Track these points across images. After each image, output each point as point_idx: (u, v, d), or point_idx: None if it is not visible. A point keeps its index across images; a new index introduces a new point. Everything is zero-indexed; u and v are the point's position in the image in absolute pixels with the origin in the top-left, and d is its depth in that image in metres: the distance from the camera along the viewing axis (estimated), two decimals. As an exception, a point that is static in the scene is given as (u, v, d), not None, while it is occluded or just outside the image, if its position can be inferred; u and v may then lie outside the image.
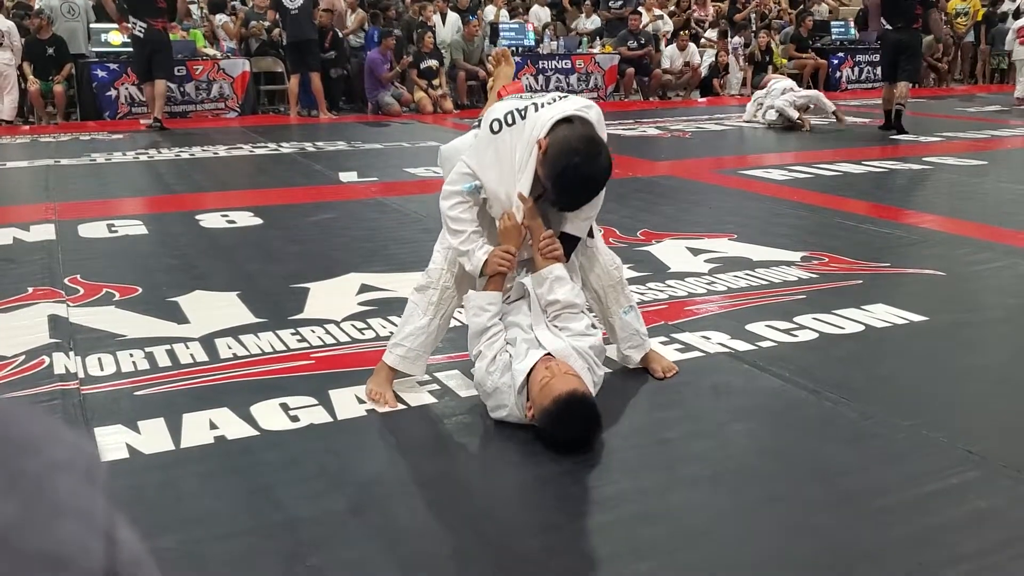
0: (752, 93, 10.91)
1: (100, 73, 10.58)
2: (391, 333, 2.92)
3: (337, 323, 3.37)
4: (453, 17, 12.52)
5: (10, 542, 0.37)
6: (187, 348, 3.12)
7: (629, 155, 7.50)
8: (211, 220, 5.25)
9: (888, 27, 8.93)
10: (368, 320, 3.41)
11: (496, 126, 2.51)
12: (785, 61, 13.88)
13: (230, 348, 3.12)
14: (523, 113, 2.50)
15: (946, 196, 6.32)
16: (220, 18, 11.88)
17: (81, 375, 2.88)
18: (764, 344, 3.13)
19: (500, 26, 12.85)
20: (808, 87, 12.40)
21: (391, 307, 3.47)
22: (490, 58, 3.46)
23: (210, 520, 2.06)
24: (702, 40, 14.37)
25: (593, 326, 2.65)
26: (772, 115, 9.54)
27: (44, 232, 4.91)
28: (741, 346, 3.11)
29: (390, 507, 2.12)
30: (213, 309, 3.54)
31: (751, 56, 13.66)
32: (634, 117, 10.84)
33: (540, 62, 12.72)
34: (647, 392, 2.77)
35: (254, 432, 2.48)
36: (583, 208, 2.58)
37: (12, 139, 9.13)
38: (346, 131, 9.64)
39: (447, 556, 1.95)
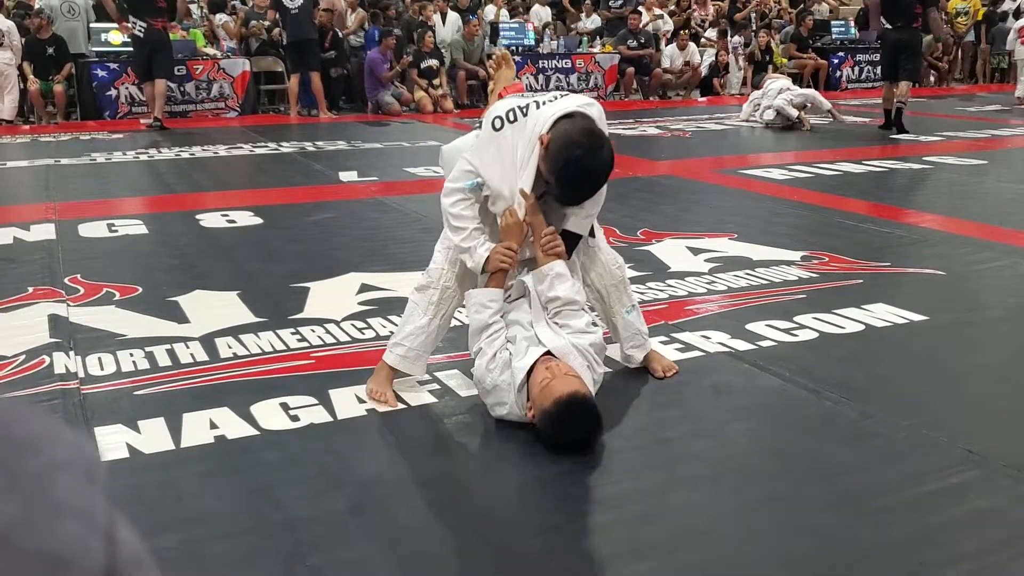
0: (752, 93, 10.91)
1: (100, 73, 10.58)
2: (391, 333, 2.92)
3: (337, 323, 3.37)
4: (453, 16, 12.52)
5: (10, 542, 0.37)
6: (187, 348, 3.12)
7: (629, 154, 7.50)
8: (211, 220, 5.25)
9: (888, 26, 8.93)
10: (368, 320, 3.41)
11: (498, 123, 2.51)
12: (785, 61, 13.88)
13: (230, 348, 3.12)
14: (525, 110, 2.50)
15: (946, 195, 6.32)
16: (220, 18, 11.88)
17: (81, 375, 2.88)
18: (764, 344, 3.13)
19: (500, 25, 12.85)
20: (809, 87, 12.40)
21: (391, 307, 3.47)
22: (490, 61, 3.46)
23: (210, 520, 2.06)
24: (702, 39, 14.36)
25: (594, 324, 2.65)
26: (770, 115, 9.54)
27: (44, 232, 4.91)
28: (741, 345, 3.11)
29: (390, 507, 2.12)
30: (213, 309, 3.54)
31: (751, 55, 13.66)
32: (634, 116, 10.83)
33: (540, 61, 12.72)
34: (647, 392, 2.77)
35: (254, 432, 2.48)
36: (585, 205, 2.58)
37: (12, 139, 9.13)
38: (346, 131, 9.64)
39: (447, 556, 1.95)
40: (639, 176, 6.68)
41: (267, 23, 11.42)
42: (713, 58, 13.64)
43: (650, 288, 3.78)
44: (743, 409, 2.66)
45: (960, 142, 8.59)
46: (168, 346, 3.13)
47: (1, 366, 2.96)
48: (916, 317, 3.41)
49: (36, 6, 11.01)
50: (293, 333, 3.25)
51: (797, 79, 12.60)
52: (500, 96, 2.91)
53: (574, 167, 2.40)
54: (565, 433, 2.33)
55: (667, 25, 14.34)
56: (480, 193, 2.58)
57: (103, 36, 10.62)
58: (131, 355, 3.04)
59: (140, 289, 3.81)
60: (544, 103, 2.52)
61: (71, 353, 3.05)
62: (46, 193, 6.22)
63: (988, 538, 1.95)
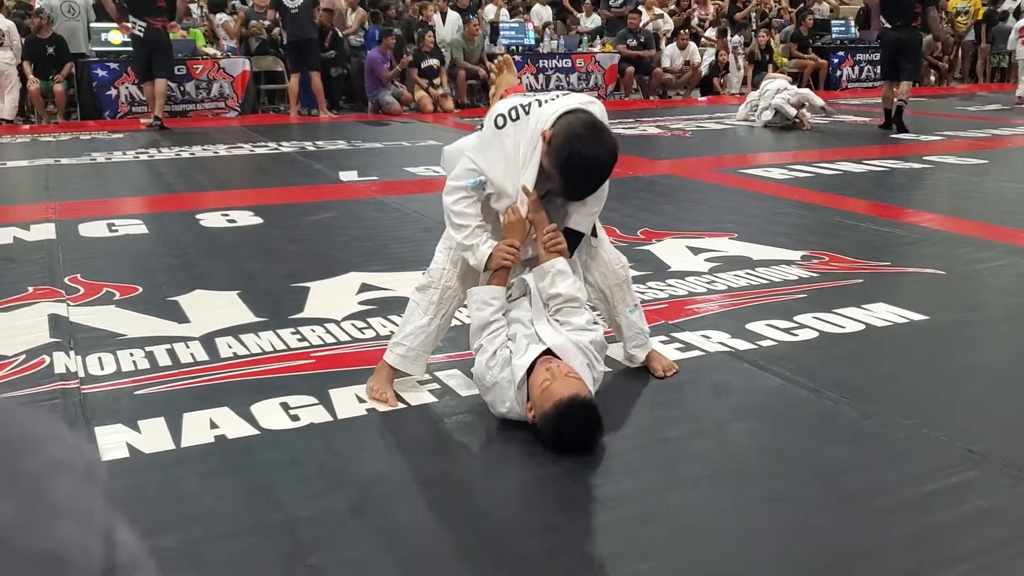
0: (749, 94, 10.91)
1: (100, 72, 10.57)
2: (391, 332, 2.92)
3: (337, 322, 3.37)
4: (453, 16, 12.51)
5: (9, 542, 0.37)
6: (187, 347, 3.12)
7: (629, 154, 7.49)
8: (211, 219, 5.25)
9: (887, 26, 8.93)
10: (368, 319, 3.41)
11: (500, 121, 2.51)
12: (785, 60, 13.88)
13: (230, 347, 3.12)
14: (527, 109, 2.51)
15: (947, 195, 6.31)
16: (220, 17, 11.88)
17: (81, 374, 2.88)
18: (764, 343, 3.13)
19: (500, 25, 12.85)
20: (809, 86, 12.40)
21: (391, 306, 3.47)
22: (492, 65, 3.46)
23: (210, 520, 2.06)
24: (702, 39, 14.36)
25: (595, 322, 2.65)
26: (768, 115, 9.54)
27: (44, 231, 4.91)
28: (741, 345, 3.11)
29: (390, 507, 2.12)
30: (213, 308, 3.54)
31: (751, 55, 13.66)
32: (634, 116, 10.83)
33: (540, 61, 12.71)
34: (647, 391, 2.77)
35: (254, 431, 2.48)
36: (587, 202, 2.58)
37: (12, 138, 9.13)
38: (346, 130, 9.64)
39: (447, 556, 1.95)
40: (639, 176, 6.68)
41: (267, 23, 11.42)
42: (713, 58, 13.63)
43: (650, 288, 3.78)
44: (743, 409, 2.66)
45: (960, 141, 8.58)
46: (168, 346, 3.13)
47: (1, 366, 2.96)
48: (916, 317, 3.40)
49: (36, 6, 11.01)
50: (293, 333, 3.25)
51: (797, 79, 12.59)
52: (502, 97, 2.91)
53: (578, 159, 2.40)
54: (566, 435, 2.32)
55: (667, 24, 14.34)
56: (482, 191, 2.58)
57: (103, 36, 10.61)
58: (131, 355, 3.04)
59: (140, 289, 3.81)
60: (546, 101, 2.53)
61: (71, 353, 3.05)
62: (46, 193, 6.22)
63: (988, 538, 1.95)
